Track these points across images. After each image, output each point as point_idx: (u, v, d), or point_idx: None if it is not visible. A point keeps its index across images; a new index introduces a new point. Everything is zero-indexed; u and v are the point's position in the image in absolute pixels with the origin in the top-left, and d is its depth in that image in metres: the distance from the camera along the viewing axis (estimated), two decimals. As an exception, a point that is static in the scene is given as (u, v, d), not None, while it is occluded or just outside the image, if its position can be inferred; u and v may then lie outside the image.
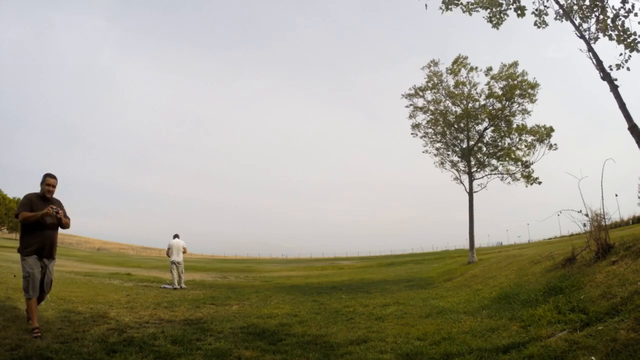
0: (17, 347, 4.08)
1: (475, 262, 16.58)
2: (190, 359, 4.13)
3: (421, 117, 20.10)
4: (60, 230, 5.25)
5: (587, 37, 7.17)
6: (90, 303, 7.52)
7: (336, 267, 32.24)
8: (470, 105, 18.98)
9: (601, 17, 7.01)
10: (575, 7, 7.37)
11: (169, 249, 13.06)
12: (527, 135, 17.95)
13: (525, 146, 18.04)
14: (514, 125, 18.17)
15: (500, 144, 18.64)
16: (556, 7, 7.58)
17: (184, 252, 13.09)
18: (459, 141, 19.44)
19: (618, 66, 6.85)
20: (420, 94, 19.85)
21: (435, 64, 19.43)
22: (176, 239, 13.22)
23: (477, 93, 18.92)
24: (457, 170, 19.41)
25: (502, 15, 7.81)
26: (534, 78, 17.85)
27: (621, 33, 6.80)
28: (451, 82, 19.20)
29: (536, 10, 7.69)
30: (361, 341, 4.86)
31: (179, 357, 4.15)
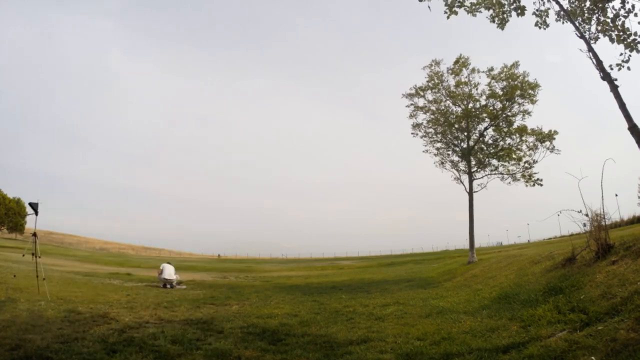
0: (17, 347, 4.08)
1: (475, 262, 16.58)
2: (190, 359, 4.13)
3: (422, 117, 20.13)
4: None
5: (587, 37, 7.16)
6: (91, 303, 7.52)
7: (336, 267, 32.24)
8: (470, 105, 18.98)
9: (601, 17, 7.01)
10: (577, 8, 7.37)
11: (161, 270, 13.23)
12: (527, 137, 17.94)
13: (527, 147, 18.03)
14: (515, 126, 18.17)
15: (500, 144, 18.64)
16: (557, 7, 7.57)
17: (175, 273, 13.32)
18: (459, 141, 19.44)
19: (618, 66, 6.85)
20: (421, 93, 19.85)
21: (437, 63, 19.43)
22: (168, 264, 13.47)
23: (477, 93, 18.93)
24: (457, 170, 19.42)
25: (505, 15, 7.80)
26: (535, 79, 17.87)
27: (621, 33, 6.79)
28: (452, 82, 19.21)
29: (537, 10, 7.69)
30: (361, 341, 4.86)
31: (179, 357, 4.15)
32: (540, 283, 6.82)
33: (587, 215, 6.94)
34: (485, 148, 18.99)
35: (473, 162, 18.86)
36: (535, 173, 17.96)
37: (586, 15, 7.26)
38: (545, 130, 17.63)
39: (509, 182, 18.66)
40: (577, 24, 7.28)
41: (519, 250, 18.93)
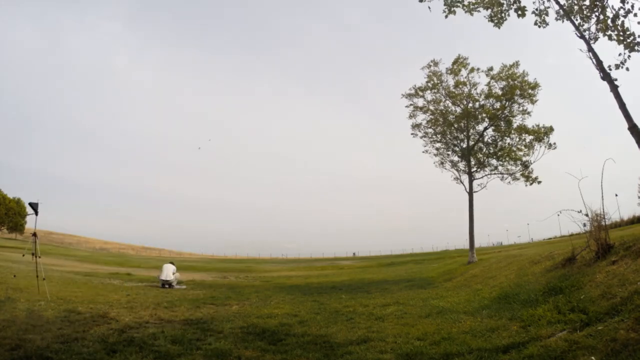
0: (17, 347, 4.08)
1: (475, 262, 16.58)
2: (190, 359, 4.13)
3: (421, 117, 20.14)
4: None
5: (587, 37, 7.17)
6: (91, 303, 7.52)
7: (336, 267, 32.24)
8: (470, 105, 18.98)
9: (601, 17, 7.01)
10: (576, 7, 7.37)
11: (161, 271, 13.26)
12: (526, 135, 17.95)
13: (525, 146, 18.04)
14: (514, 125, 18.18)
15: (500, 143, 18.64)
16: (556, 7, 7.58)
17: (174, 273, 13.30)
18: (459, 141, 19.45)
19: (617, 66, 6.85)
20: (420, 93, 19.85)
21: (436, 64, 19.43)
22: (169, 264, 13.52)
23: (477, 93, 18.93)
24: (457, 170, 19.43)
25: (503, 14, 7.81)
26: (535, 78, 17.88)
27: (621, 33, 6.79)
28: (451, 82, 19.21)
29: (536, 10, 7.69)
30: (361, 341, 4.86)
31: (179, 357, 4.15)
32: (540, 283, 6.82)
33: (587, 215, 6.95)
34: (484, 148, 19.00)
35: (473, 162, 18.86)
36: (532, 172, 18.00)
37: (585, 14, 7.26)
38: (542, 125, 17.68)
39: (509, 182, 18.69)
40: (577, 24, 7.28)
41: (519, 250, 18.93)
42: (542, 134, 17.51)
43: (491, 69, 18.60)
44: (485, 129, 18.91)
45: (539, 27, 7.80)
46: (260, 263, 44.90)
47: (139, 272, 20.22)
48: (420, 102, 19.98)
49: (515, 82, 17.83)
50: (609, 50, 7.10)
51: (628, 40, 6.71)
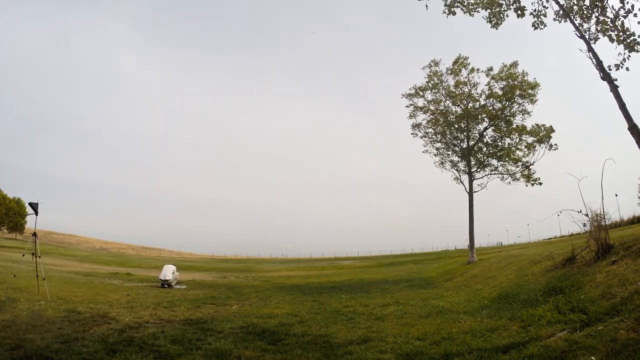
0: (17, 347, 4.08)
1: (475, 262, 16.58)
2: (190, 359, 4.13)
3: (421, 117, 20.14)
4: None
5: (587, 37, 7.17)
6: (91, 303, 7.52)
7: (336, 267, 32.23)
8: (470, 105, 18.98)
9: (601, 17, 7.00)
10: (576, 8, 7.37)
11: (160, 271, 13.44)
12: (527, 136, 17.95)
13: (526, 146, 18.03)
14: (514, 126, 18.17)
15: (500, 144, 18.64)
16: (556, 7, 7.58)
17: (173, 273, 13.41)
18: (459, 141, 19.44)
19: (617, 66, 6.85)
20: (421, 93, 19.85)
21: (436, 64, 19.43)
22: (170, 265, 13.66)
23: (477, 93, 18.93)
24: (457, 170, 19.43)
25: (501, 15, 7.81)
26: (534, 78, 17.88)
27: (621, 33, 6.79)
28: (451, 82, 19.20)
29: (534, 11, 7.69)
30: (361, 341, 4.86)
31: (179, 357, 4.16)
32: (540, 283, 6.82)
33: (587, 215, 6.95)
34: (484, 148, 19.00)
35: (473, 162, 18.86)
36: (533, 173, 17.99)
37: (585, 14, 7.26)
38: (542, 126, 17.66)
39: (509, 182, 18.69)
40: (577, 24, 7.28)
41: (519, 250, 18.94)
42: (542, 135, 17.51)
43: (491, 69, 18.62)
44: (486, 129, 18.91)
45: (536, 28, 7.81)
46: (260, 263, 44.89)
47: (139, 272, 20.22)
48: (420, 102, 20.01)
49: (515, 82, 17.83)
50: (609, 50, 7.10)
51: (628, 40, 6.72)
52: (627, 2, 6.59)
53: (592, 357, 3.30)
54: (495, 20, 7.85)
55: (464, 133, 19.15)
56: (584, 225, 7.21)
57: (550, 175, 19.40)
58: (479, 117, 18.82)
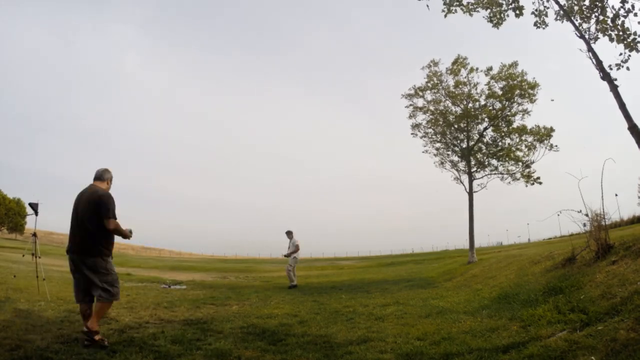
0: (17, 348, 4.08)
1: (475, 262, 16.58)
2: (190, 359, 4.13)
3: (421, 117, 20.14)
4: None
5: (586, 37, 7.17)
6: (90, 303, 7.52)
7: (336, 267, 32.23)
8: (470, 105, 18.98)
9: (601, 17, 7.01)
10: (576, 8, 7.37)
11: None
12: (527, 136, 17.95)
13: (526, 146, 18.03)
14: (514, 126, 18.17)
15: (500, 144, 18.64)
16: (556, 7, 7.58)
17: None
18: (459, 141, 19.44)
19: (618, 66, 6.86)
20: (420, 94, 19.85)
21: (435, 64, 19.43)
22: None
23: (477, 93, 18.93)
24: (457, 170, 19.42)
25: (502, 15, 7.81)
26: (534, 78, 17.89)
27: (621, 33, 6.80)
28: (451, 82, 19.20)
29: (536, 10, 7.69)
30: (361, 341, 4.86)
31: (179, 357, 4.15)
32: (540, 283, 6.82)
33: (587, 215, 6.95)
34: (484, 148, 19.00)
35: (473, 162, 18.86)
36: (533, 172, 17.98)
37: (585, 14, 7.27)
38: (542, 126, 17.67)
39: (509, 182, 18.68)
40: (577, 24, 7.28)
41: (519, 250, 18.93)
42: (542, 135, 17.51)
43: (491, 68, 18.60)
44: (485, 129, 18.90)
45: (538, 27, 7.81)
46: (260, 263, 44.87)
47: (138, 272, 20.22)
48: (420, 102, 20.00)
49: (515, 82, 17.83)
50: (609, 50, 7.10)
51: (628, 40, 6.72)
52: (627, 2, 6.59)
53: (592, 357, 3.30)
54: (496, 20, 7.86)
55: (464, 133, 19.15)
56: (584, 225, 7.21)
57: (550, 175, 19.41)
58: (479, 117, 18.82)
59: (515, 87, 17.78)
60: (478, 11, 7.83)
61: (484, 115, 18.64)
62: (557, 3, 7.53)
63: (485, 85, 18.67)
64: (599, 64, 6.88)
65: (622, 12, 6.72)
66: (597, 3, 7.00)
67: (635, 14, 6.61)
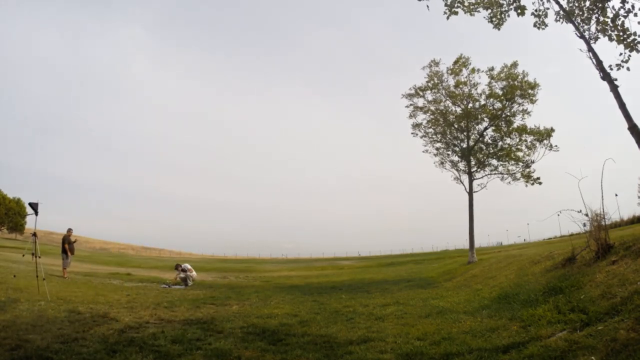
0: (17, 347, 4.08)
1: (475, 262, 16.58)
2: (190, 359, 4.13)
3: (421, 117, 20.13)
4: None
5: (587, 37, 7.17)
6: (91, 303, 7.52)
7: (336, 267, 32.23)
8: (470, 105, 18.97)
9: (601, 17, 7.01)
10: (576, 8, 7.37)
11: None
12: (527, 136, 17.94)
13: (526, 146, 18.03)
14: (514, 126, 18.17)
15: (500, 143, 18.63)
16: (556, 7, 7.58)
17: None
18: (459, 141, 19.44)
19: (618, 66, 6.85)
20: (421, 93, 19.84)
21: (436, 63, 19.41)
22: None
23: (477, 93, 18.92)
24: (457, 170, 19.42)
25: (502, 15, 7.81)
26: (534, 78, 17.88)
27: (621, 33, 6.79)
28: (452, 82, 19.19)
29: (536, 11, 7.69)
30: (361, 341, 4.86)
31: (179, 357, 4.15)
32: (540, 283, 6.82)
33: (587, 215, 6.95)
34: (484, 148, 18.99)
35: (473, 162, 18.86)
36: (533, 172, 17.98)
37: (585, 15, 7.27)
38: (543, 127, 17.67)
39: (509, 182, 18.68)
40: (577, 24, 7.28)
41: (519, 250, 18.93)
42: (543, 135, 17.50)
43: (492, 69, 18.59)
44: (486, 129, 18.90)
45: (539, 28, 7.81)
46: (260, 263, 44.87)
47: (139, 272, 20.22)
48: (420, 102, 19.99)
49: (515, 82, 17.82)
50: (609, 50, 7.10)
51: (628, 40, 6.72)
52: (628, 2, 6.59)
53: (592, 357, 3.30)
54: (497, 20, 7.85)
55: (464, 133, 19.14)
56: (584, 225, 7.21)
57: (550, 175, 19.40)
58: (479, 117, 18.82)
59: (515, 87, 17.78)
60: (479, 11, 7.83)
61: (484, 115, 18.63)
62: (558, 3, 7.53)
63: (486, 85, 18.68)
64: (599, 64, 6.88)
65: (622, 12, 6.72)
66: (598, 3, 7.00)
67: (635, 14, 6.60)
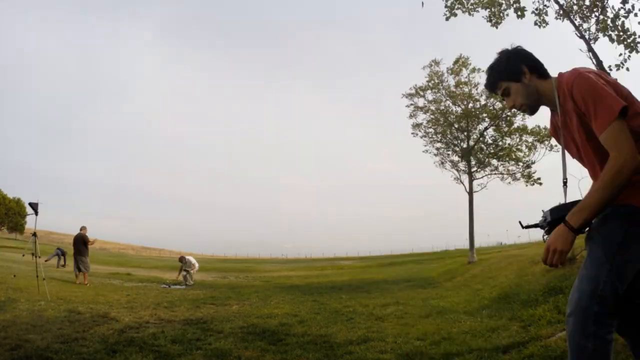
0: (17, 347, 4.08)
1: (475, 262, 16.59)
2: (190, 359, 4.13)
3: (421, 117, 20.16)
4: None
5: (587, 37, 7.17)
6: (91, 303, 7.52)
7: (336, 267, 32.23)
8: (470, 105, 18.98)
9: (601, 17, 7.01)
10: (576, 7, 7.38)
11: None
12: (527, 136, 17.94)
13: (527, 147, 18.03)
14: (515, 126, 18.17)
15: (500, 143, 18.64)
16: (556, 7, 7.58)
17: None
18: (459, 141, 19.46)
19: (618, 66, 6.86)
20: (421, 93, 19.86)
21: (437, 63, 19.44)
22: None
23: (477, 93, 18.92)
24: (457, 170, 19.45)
25: (501, 14, 7.82)
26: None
27: (621, 33, 6.80)
28: (452, 82, 19.22)
29: (536, 9, 7.70)
30: (361, 341, 4.86)
31: (179, 357, 4.15)
32: (540, 283, 6.82)
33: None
34: (485, 148, 19.00)
35: (473, 162, 18.87)
36: (534, 172, 17.98)
37: (585, 14, 7.27)
38: (544, 128, 17.65)
39: (509, 182, 18.69)
40: (577, 24, 7.28)
41: (519, 250, 18.93)
42: (543, 136, 17.49)
43: (491, 68, 18.57)
44: (486, 129, 18.91)
45: (539, 27, 7.81)
46: (260, 263, 44.89)
47: (139, 272, 20.22)
48: (420, 102, 20.02)
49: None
50: (609, 50, 7.10)
51: (628, 40, 6.72)
52: (628, 2, 6.59)
53: (592, 357, 3.29)
54: (495, 19, 7.86)
55: (464, 133, 19.15)
56: (584, 225, 7.20)
57: (551, 175, 19.38)
58: (480, 117, 18.82)
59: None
60: (478, 11, 7.84)
61: (484, 115, 18.63)
62: (557, 3, 7.53)
63: (486, 85, 18.64)
64: (599, 64, 6.88)
65: (622, 12, 6.72)
66: (597, 3, 7.00)
67: (636, 14, 6.61)
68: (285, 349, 4.55)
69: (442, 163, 19.87)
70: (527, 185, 18.23)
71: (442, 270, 17.29)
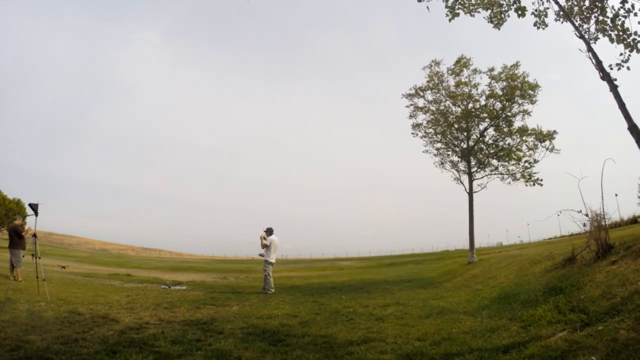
0: (17, 348, 4.08)
1: (475, 262, 16.58)
2: (190, 360, 4.13)
3: (421, 117, 20.12)
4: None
5: (586, 37, 7.17)
6: (91, 304, 7.52)
7: (336, 268, 32.22)
8: (470, 105, 18.97)
9: (601, 17, 7.01)
10: (576, 8, 7.38)
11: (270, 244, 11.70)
12: (527, 137, 17.92)
13: (527, 147, 18.02)
14: (515, 126, 18.15)
15: (501, 144, 18.62)
16: (556, 7, 7.58)
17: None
18: (459, 141, 19.44)
19: (618, 66, 6.85)
20: (421, 94, 19.84)
21: (437, 64, 19.42)
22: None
23: (477, 93, 18.91)
24: (457, 170, 19.41)
25: (502, 15, 7.81)
26: (535, 79, 17.86)
27: (621, 33, 6.80)
28: (452, 83, 19.19)
29: (536, 10, 7.70)
30: (361, 341, 4.86)
31: (179, 358, 4.15)
32: (540, 283, 6.82)
33: (587, 215, 6.95)
34: (485, 148, 18.98)
35: (473, 162, 18.85)
36: (535, 173, 17.96)
37: (585, 14, 7.27)
38: (545, 130, 17.65)
39: (509, 182, 18.65)
40: (577, 24, 7.28)
41: (519, 250, 18.94)
42: (544, 137, 17.48)
43: (492, 69, 18.56)
44: (486, 129, 18.88)
45: (539, 28, 7.81)
46: (261, 264, 44.82)
47: (139, 273, 20.23)
48: (420, 102, 19.99)
49: (516, 82, 17.81)
50: (609, 50, 7.10)
51: (628, 40, 6.72)
52: (628, 2, 6.59)
53: (593, 357, 3.29)
54: (497, 20, 7.86)
55: (464, 133, 19.14)
56: (584, 225, 7.21)
57: (551, 175, 19.38)
58: (480, 117, 18.81)
59: (516, 88, 17.77)
60: (479, 12, 7.84)
61: (484, 116, 18.62)
62: (557, 3, 7.53)
63: (487, 85, 18.66)
64: (598, 64, 6.88)
65: (622, 12, 6.72)
66: (597, 3, 7.01)
67: (635, 14, 6.61)
68: (285, 350, 4.55)
69: (442, 163, 19.87)
70: (527, 185, 18.22)
71: (442, 271, 17.29)
